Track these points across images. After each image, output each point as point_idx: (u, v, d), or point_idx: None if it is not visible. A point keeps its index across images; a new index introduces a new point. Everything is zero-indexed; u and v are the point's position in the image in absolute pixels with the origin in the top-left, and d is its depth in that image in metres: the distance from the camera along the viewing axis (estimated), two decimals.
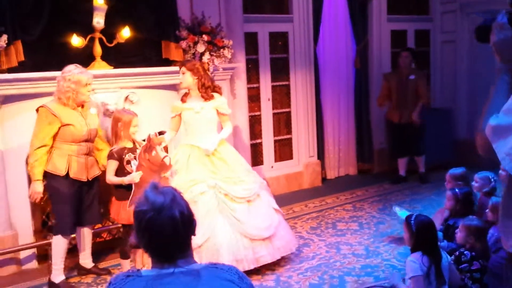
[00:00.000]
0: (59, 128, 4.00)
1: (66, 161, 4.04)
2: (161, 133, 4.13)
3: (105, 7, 4.70)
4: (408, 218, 3.50)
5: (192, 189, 4.20)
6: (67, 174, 4.04)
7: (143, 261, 4.26)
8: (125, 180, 3.97)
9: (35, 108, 4.08)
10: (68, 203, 4.10)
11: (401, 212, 4.75)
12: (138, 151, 4.06)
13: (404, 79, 6.80)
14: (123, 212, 4.04)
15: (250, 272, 4.11)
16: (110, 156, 4.06)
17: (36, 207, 4.68)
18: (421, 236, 3.38)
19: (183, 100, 4.51)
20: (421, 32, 8.11)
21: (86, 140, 4.16)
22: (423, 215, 3.58)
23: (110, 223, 4.96)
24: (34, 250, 4.68)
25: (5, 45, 4.30)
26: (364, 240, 4.98)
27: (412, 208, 5.84)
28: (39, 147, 3.96)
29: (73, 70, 4.04)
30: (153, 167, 4.06)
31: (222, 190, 4.25)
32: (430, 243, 3.38)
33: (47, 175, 4.04)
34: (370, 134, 7.64)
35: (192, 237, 1.79)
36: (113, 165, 4.04)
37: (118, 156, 4.03)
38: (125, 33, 4.87)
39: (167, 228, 1.67)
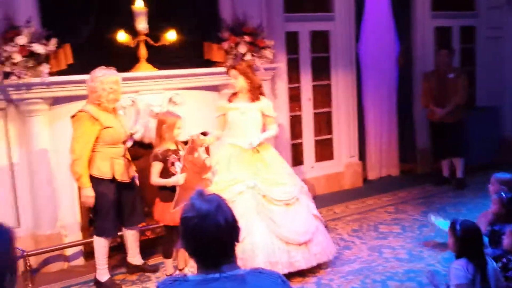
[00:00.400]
0: (100, 131, 4.05)
1: (109, 164, 4.10)
2: (203, 134, 4.18)
3: (145, 10, 4.77)
4: (453, 223, 3.42)
5: (231, 188, 4.23)
6: (113, 177, 4.12)
7: (185, 261, 4.34)
8: (170, 181, 4.04)
9: (71, 115, 4.12)
10: (112, 206, 4.19)
11: (438, 221, 4.66)
12: (181, 153, 4.11)
13: (443, 78, 6.58)
14: (167, 214, 4.11)
15: (290, 275, 4.12)
16: (155, 158, 4.12)
17: (84, 206, 4.81)
18: (467, 242, 3.30)
19: (230, 100, 4.54)
20: (466, 28, 7.88)
21: (123, 142, 4.24)
22: (469, 220, 3.49)
23: (154, 222, 5.04)
24: (81, 247, 4.83)
25: (54, 49, 4.43)
26: (407, 243, 4.91)
27: (457, 211, 5.73)
28: (82, 155, 3.99)
29: (107, 72, 4.08)
30: (195, 168, 4.11)
31: (260, 191, 4.25)
32: (476, 249, 3.30)
33: (91, 180, 4.09)
34: (413, 134, 7.50)
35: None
36: (158, 166, 4.11)
37: (163, 157, 4.10)
38: (171, 36, 4.94)
39: (212, 235, 1.72)
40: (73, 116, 4.09)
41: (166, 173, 4.11)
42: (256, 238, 4.13)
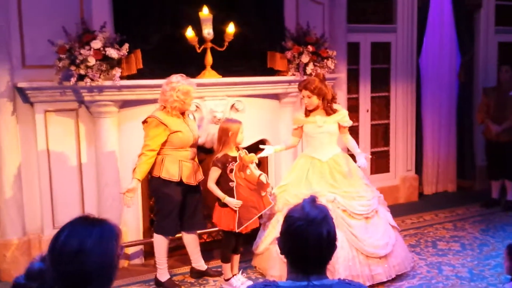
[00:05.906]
0: (168, 136, 4.16)
1: (178, 167, 4.20)
2: (262, 142, 4.21)
3: (211, 16, 4.83)
4: (510, 246, 3.31)
5: None
6: (181, 179, 4.21)
7: (232, 269, 4.37)
8: (225, 199, 4.13)
9: (142, 120, 4.23)
10: (175, 207, 4.28)
11: None
12: (242, 154, 4.17)
13: (503, 95, 6.34)
14: (224, 218, 4.20)
15: None
16: (214, 163, 4.20)
17: (146, 207, 4.94)
18: None
19: (306, 114, 4.56)
20: None
21: (192, 145, 4.32)
22: None
23: (210, 226, 5.11)
24: (142, 246, 4.96)
25: (126, 53, 4.58)
26: (467, 262, 4.80)
27: None
28: (147, 153, 4.10)
29: (181, 80, 4.18)
30: (250, 185, 4.18)
31: (340, 205, 4.26)
32: None
33: (159, 181, 4.21)
34: (473, 150, 7.33)
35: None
36: (215, 172, 4.18)
37: (222, 164, 4.16)
38: (230, 29, 4.94)
39: (312, 242, 1.76)
40: (144, 122, 4.22)
41: (225, 179, 4.18)
42: (336, 252, 4.12)
